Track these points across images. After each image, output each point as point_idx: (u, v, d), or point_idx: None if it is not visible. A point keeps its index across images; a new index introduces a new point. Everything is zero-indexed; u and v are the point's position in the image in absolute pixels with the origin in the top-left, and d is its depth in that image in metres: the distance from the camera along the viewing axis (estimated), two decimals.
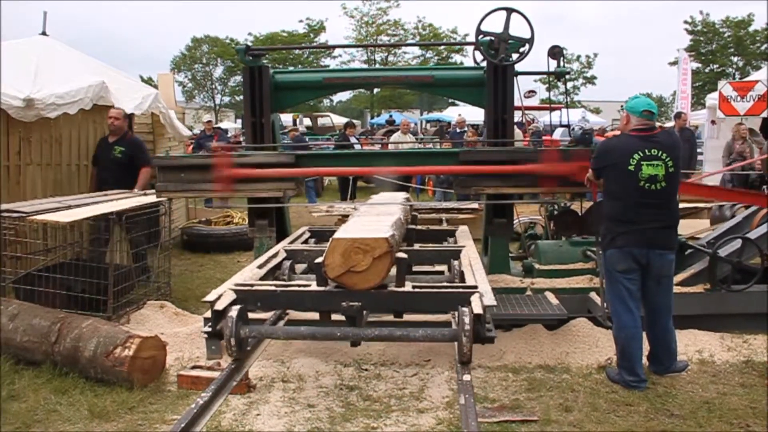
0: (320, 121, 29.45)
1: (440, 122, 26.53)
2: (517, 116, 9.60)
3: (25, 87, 6.71)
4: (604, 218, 4.72)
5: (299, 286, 3.53)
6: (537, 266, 6.04)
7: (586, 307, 5.54)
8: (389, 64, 42.11)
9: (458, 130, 15.74)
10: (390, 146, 13.07)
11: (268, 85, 5.94)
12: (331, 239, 3.30)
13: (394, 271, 3.58)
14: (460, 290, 3.36)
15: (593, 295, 5.50)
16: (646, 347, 4.72)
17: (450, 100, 39.60)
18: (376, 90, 42.60)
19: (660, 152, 4.47)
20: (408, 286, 3.40)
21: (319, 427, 3.96)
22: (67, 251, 6.11)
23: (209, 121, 14.78)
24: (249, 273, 3.94)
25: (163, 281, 6.71)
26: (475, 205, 9.36)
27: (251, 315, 3.80)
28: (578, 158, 5.19)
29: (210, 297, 3.31)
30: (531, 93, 25.63)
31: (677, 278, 5.56)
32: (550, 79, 6.64)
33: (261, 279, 3.91)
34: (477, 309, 3.02)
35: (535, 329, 5.37)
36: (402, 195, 5.62)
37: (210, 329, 3.23)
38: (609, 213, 4.66)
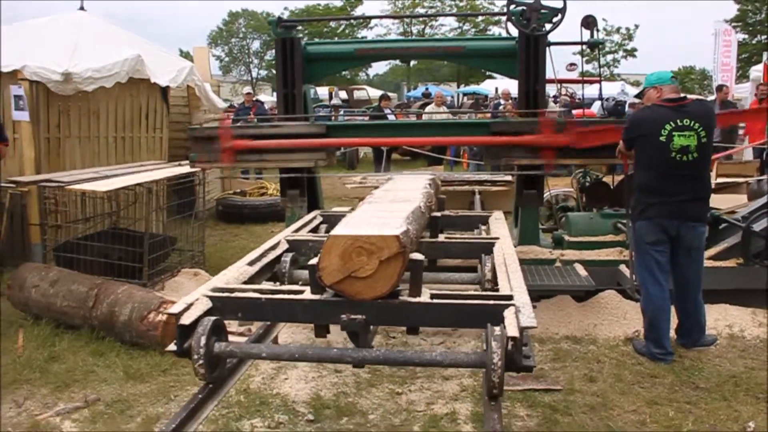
0: (356, 94, 29.41)
1: (477, 95, 26.20)
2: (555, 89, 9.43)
3: (63, 61, 6.86)
4: (634, 189, 4.68)
5: (290, 293, 2.87)
6: (567, 238, 6.02)
7: (615, 279, 5.51)
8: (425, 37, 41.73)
9: (502, 102, 15.62)
10: (423, 118, 13.03)
11: (299, 56, 5.96)
12: (327, 236, 2.72)
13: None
14: (491, 302, 2.69)
15: (623, 267, 5.46)
16: (673, 320, 4.70)
17: (487, 73, 39.16)
18: (412, 63, 42.30)
19: (692, 122, 4.39)
20: (425, 295, 2.73)
21: (345, 392, 4.06)
22: (104, 220, 6.28)
23: (249, 93, 14.74)
24: (235, 272, 3.19)
25: (197, 250, 6.86)
26: (508, 177, 9.29)
27: None
28: (574, 127, 5.22)
29: (176, 308, 2.67)
30: (572, 66, 25.14)
31: (710, 252, 5.49)
32: (584, 50, 6.54)
33: (251, 279, 3.24)
34: (512, 330, 2.41)
35: (564, 300, 5.38)
36: (427, 176, 4.82)
37: (176, 348, 2.61)
38: (639, 184, 4.60)
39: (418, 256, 2.78)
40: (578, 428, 3.63)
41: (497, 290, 3.02)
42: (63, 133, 7.18)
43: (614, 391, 4.08)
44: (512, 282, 2.96)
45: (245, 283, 3.11)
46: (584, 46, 6.13)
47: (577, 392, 4.04)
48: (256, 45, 51.68)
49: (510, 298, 2.70)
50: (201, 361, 2.54)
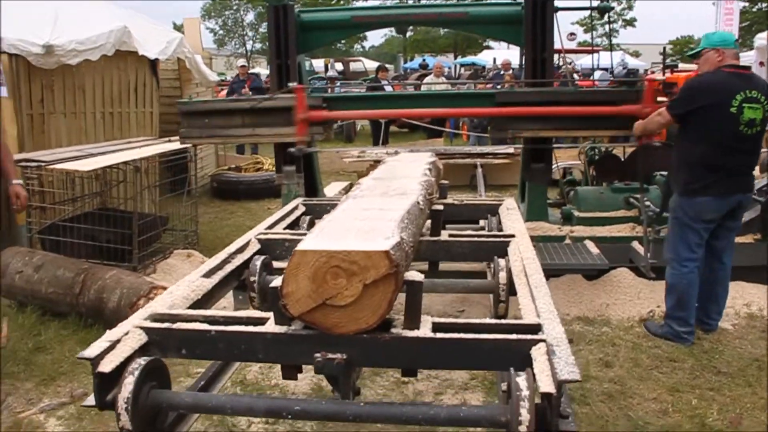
0: (352, 65, 28.96)
1: (475, 66, 25.80)
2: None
3: (45, 33, 6.50)
4: (687, 164, 4.24)
5: (249, 322, 2.15)
6: (576, 213, 5.77)
7: (628, 256, 5.27)
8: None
9: (502, 72, 15.22)
10: (423, 89, 12.70)
11: (293, 24, 5.64)
12: (293, 252, 1.99)
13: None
14: (515, 336, 1.99)
15: (635, 244, 5.22)
16: None
17: (485, 43, 38.58)
18: (408, 34, 41.67)
19: (759, 95, 4.07)
20: (425, 326, 2.04)
21: None
22: (92, 201, 6.00)
23: (243, 66, 14.36)
24: (185, 289, 2.47)
25: (190, 229, 6.60)
26: (510, 150, 9.04)
27: None
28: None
29: (93, 349, 1.92)
30: (572, 36, 24.79)
31: None
32: (593, 16, 6.23)
33: (209, 295, 2.57)
34: (545, 382, 1.75)
35: (574, 279, 5.15)
36: (427, 157, 3.97)
37: (95, 402, 1.90)
38: (699, 158, 4.17)
39: (415, 276, 2.09)
40: (597, 420, 3.41)
41: (517, 307, 2.38)
42: (47, 108, 6.84)
43: (632, 377, 3.86)
44: (538, 303, 2.29)
45: (197, 303, 2.45)
46: (593, 11, 5.84)
47: (593, 379, 3.82)
48: (250, 17, 50.98)
49: (538, 329, 2.05)
50: (128, 420, 1.85)
